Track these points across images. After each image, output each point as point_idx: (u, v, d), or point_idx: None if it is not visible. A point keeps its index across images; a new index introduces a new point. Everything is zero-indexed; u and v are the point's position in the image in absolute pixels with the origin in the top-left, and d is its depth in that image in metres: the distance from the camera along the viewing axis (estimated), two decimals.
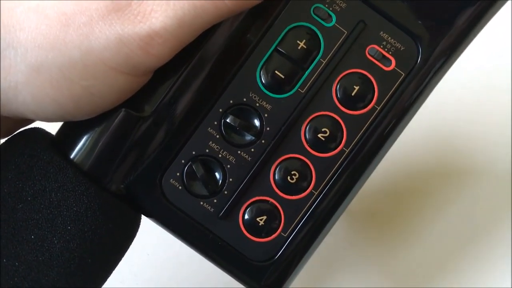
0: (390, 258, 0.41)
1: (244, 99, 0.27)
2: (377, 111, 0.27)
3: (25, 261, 0.24)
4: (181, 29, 0.24)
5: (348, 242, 0.41)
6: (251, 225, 0.28)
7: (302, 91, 0.27)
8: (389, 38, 0.27)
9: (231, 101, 0.27)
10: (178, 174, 0.27)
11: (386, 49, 0.27)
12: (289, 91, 0.27)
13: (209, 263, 0.29)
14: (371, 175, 0.29)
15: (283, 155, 0.27)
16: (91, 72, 0.23)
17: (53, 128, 0.28)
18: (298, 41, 0.27)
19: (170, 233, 0.28)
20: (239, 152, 0.27)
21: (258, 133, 0.27)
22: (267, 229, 0.28)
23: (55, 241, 0.24)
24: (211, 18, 0.24)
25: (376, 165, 0.29)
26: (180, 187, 0.27)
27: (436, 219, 0.41)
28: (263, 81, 0.27)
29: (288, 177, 0.27)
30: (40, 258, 0.24)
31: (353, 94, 0.27)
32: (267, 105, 0.27)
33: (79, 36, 0.23)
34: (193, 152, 0.27)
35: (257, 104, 0.27)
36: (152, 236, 0.28)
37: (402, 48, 0.27)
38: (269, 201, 0.28)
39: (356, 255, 0.40)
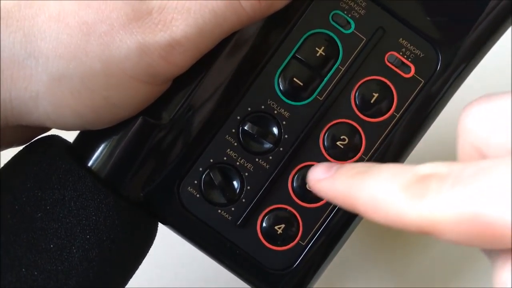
0: (398, 261, 0.40)
1: (262, 107, 0.27)
2: (396, 119, 0.27)
3: (44, 270, 0.24)
4: (201, 38, 0.23)
5: (353, 244, 0.40)
6: (269, 233, 0.27)
7: (321, 98, 0.27)
8: (409, 44, 0.27)
9: (249, 109, 0.27)
10: (195, 182, 0.27)
11: (405, 56, 0.27)
12: (308, 98, 0.27)
13: (210, 264, 0.29)
14: None
15: (302, 162, 0.27)
16: (112, 82, 0.23)
17: (68, 134, 0.28)
18: (316, 48, 0.27)
19: (187, 241, 0.28)
20: (257, 159, 0.27)
21: (276, 140, 0.27)
22: (285, 238, 0.27)
23: (74, 250, 0.24)
24: (231, 26, 0.24)
25: None
26: (197, 195, 0.27)
27: None
28: (281, 88, 0.27)
29: (307, 185, 0.27)
30: (59, 267, 0.24)
31: (372, 101, 0.27)
32: (285, 112, 0.27)
33: (100, 46, 0.23)
34: (211, 160, 0.27)
35: (275, 112, 0.27)
36: None
37: (421, 55, 0.27)
38: (287, 209, 0.27)
39: (363, 257, 0.40)
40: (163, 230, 0.28)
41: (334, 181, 0.22)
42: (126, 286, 0.27)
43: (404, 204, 0.19)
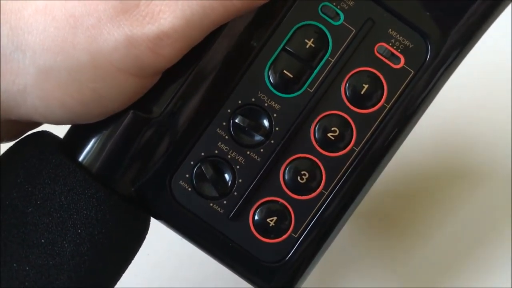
0: (396, 260, 0.40)
1: (253, 99, 0.27)
2: (386, 110, 0.27)
3: (36, 265, 0.24)
4: (189, 29, 0.23)
5: (354, 243, 0.40)
6: (261, 226, 0.27)
7: (311, 90, 0.27)
8: (398, 35, 0.27)
9: (239, 102, 0.27)
10: (187, 175, 0.27)
11: (395, 47, 0.27)
12: (298, 90, 0.27)
13: (209, 263, 0.28)
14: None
15: (293, 155, 0.27)
16: (99, 74, 0.23)
17: (60, 131, 0.28)
18: (306, 40, 0.27)
19: (180, 235, 0.28)
20: (248, 152, 0.27)
21: (267, 133, 0.27)
22: (277, 230, 0.27)
23: (66, 245, 0.24)
24: (219, 17, 0.24)
25: (386, 164, 0.28)
26: (189, 189, 0.27)
27: (440, 221, 0.41)
28: (272, 81, 0.27)
29: (298, 177, 0.27)
30: (51, 262, 0.24)
31: (362, 92, 0.27)
32: (276, 105, 0.27)
33: (88, 38, 0.23)
34: (202, 153, 0.27)
35: (266, 104, 0.27)
36: (152, 235, 0.28)
37: (411, 46, 0.27)
38: (279, 201, 0.27)
39: (362, 257, 0.40)
40: (162, 230, 0.28)
41: None
42: (125, 286, 0.27)
43: None
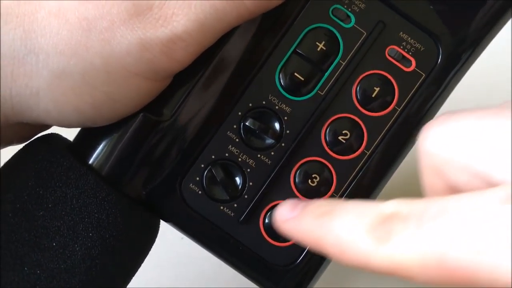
0: None
1: (264, 102, 0.27)
2: (397, 113, 0.27)
3: (47, 269, 0.24)
4: (202, 33, 0.23)
5: None
6: (271, 229, 0.27)
7: (322, 93, 0.27)
8: (409, 38, 0.27)
9: (250, 104, 0.27)
10: (197, 178, 0.27)
11: (406, 50, 0.27)
12: (309, 93, 0.27)
13: (210, 264, 0.28)
14: None
15: (304, 158, 0.27)
16: (113, 78, 0.23)
17: (67, 133, 0.27)
18: (317, 43, 0.27)
19: (190, 238, 0.28)
20: (259, 155, 0.27)
21: (278, 136, 0.27)
22: None
23: (77, 248, 0.24)
24: (232, 20, 0.24)
25: (397, 167, 0.28)
26: (199, 192, 0.27)
27: None
28: (282, 84, 0.27)
29: (309, 180, 0.27)
30: (62, 266, 0.24)
31: (373, 95, 0.27)
32: (287, 108, 0.27)
33: (101, 42, 0.23)
34: (213, 156, 0.27)
35: (277, 107, 0.27)
36: None
37: (422, 49, 0.27)
38: None
39: None
40: (162, 230, 0.28)
41: (300, 222, 0.21)
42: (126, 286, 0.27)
43: (370, 247, 0.18)
